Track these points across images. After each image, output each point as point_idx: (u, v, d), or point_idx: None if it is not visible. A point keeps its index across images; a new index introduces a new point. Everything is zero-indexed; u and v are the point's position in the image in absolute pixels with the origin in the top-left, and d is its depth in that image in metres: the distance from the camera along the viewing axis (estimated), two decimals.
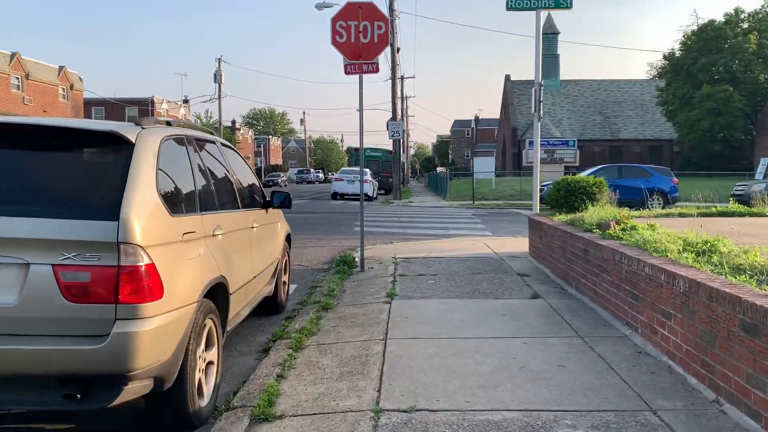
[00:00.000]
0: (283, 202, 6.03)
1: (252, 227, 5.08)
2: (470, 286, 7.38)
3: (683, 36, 41.97)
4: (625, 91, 58.26)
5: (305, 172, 77.53)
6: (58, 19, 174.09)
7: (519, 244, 11.75)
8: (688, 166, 40.24)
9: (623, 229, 6.70)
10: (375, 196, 31.48)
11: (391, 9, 28.54)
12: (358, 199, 30.34)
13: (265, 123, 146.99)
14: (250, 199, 5.48)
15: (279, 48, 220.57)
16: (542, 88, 12.96)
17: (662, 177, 22.88)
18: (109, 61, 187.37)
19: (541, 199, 24.13)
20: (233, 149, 5.65)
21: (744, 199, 21.84)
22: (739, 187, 23.29)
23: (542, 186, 24.15)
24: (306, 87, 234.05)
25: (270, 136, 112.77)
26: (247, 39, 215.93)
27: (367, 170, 31.37)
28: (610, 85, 59.11)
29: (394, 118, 29.41)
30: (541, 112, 13.00)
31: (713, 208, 10.42)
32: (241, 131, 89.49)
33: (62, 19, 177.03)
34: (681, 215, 10.05)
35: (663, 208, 23.45)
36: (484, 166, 31.25)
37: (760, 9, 40.92)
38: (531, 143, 37.46)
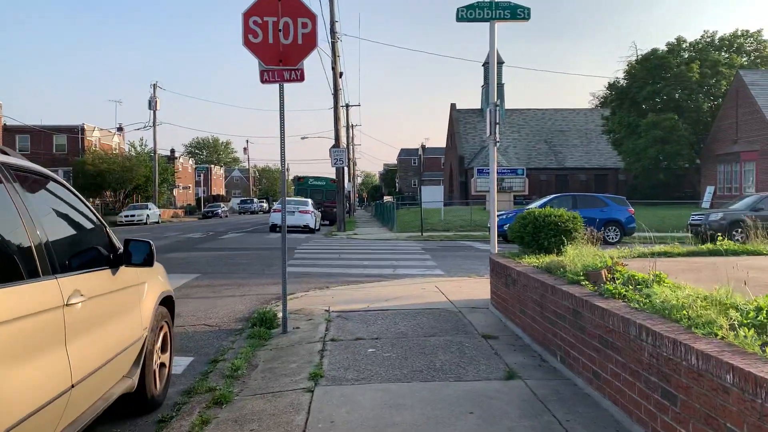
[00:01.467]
0: (146, 257, 4.10)
1: (69, 304, 3.12)
2: (423, 358, 5.57)
3: (627, 65, 42.16)
4: (570, 120, 58.48)
5: (248, 202, 74.87)
6: None
7: (477, 287, 10.07)
8: (634, 195, 39.90)
9: (623, 282, 5.06)
10: (317, 227, 29.50)
11: (332, 32, 27.03)
12: (299, 232, 28.56)
13: (209, 152, 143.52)
14: (81, 257, 3.56)
15: (220, 75, 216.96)
16: (498, 109, 11.47)
17: (618, 207, 21.84)
18: (39, 87, 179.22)
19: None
20: (68, 189, 3.80)
21: (701, 230, 20.99)
22: (696, 217, 22.44)
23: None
24: (249, 115, 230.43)
25: (213, 166, 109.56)
26: (187, 66, 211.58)
27: (309, 200, 29.45)
28: (554, 114, 59.26)
29: (336, 145, 27.68)
30: (497, 135, 11.48)
31: (703, 247, 8.95)
32: (180, 160, 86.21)
33: None
34: (666, 254, 8.54)
35: (620, 240, 22.43)
36: (432, 195, 29.82)
37: (700, 39, 41.52)
38: (480, 171, 36.42)
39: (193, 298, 9.42)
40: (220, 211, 63.27)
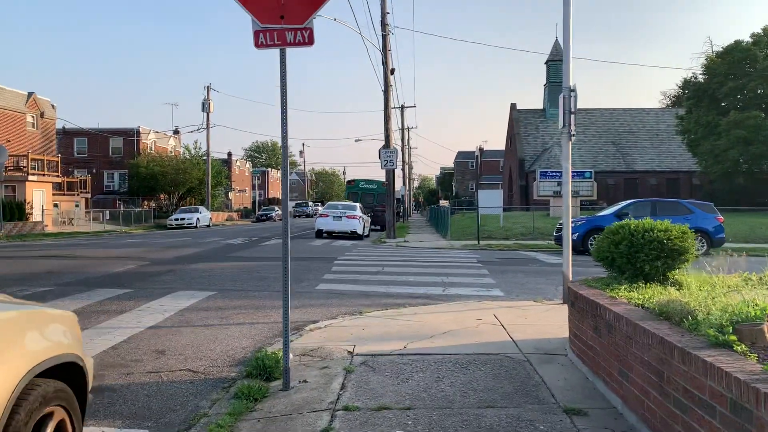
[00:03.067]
0: None
1: None
2: None
3: (706, 59, 38.54)
4: (639, 120, 54.81)
5: (303, 205, 73.98)
6: (35, 46, 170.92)
7: (547, 318, 7.95)
8: (711, 201, 36.41)
9: None
10: (366, 233, 27.71)
11: (383, 24, 25.20)
12: (345, 237, 26.76)
13: (268, 155, 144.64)
14: None
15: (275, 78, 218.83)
16: (573, 95, 9.31)
17: (705, 214, 19.12)
18: (95, 90, 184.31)
19: (559, 239, 20.37)
20: None
21: None
22: None
23: (560, 224, 20.38)
24: (306, 118, 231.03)
25: (270, 169, 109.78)
26: (244, 70, 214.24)
27: (357, 204, 27.69)
28: (622, 114, 55.70)
29: (387, 145, 25.81)
30: (573, 127, 9.32)
31: None
32: (237, 163, 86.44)
33: (43, 49, 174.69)
34: None
35: (706, 252, 19.63)
36: (490, 199, 27.55)
37: None
38: (543, 174, 33.79)
39: (192, 327, 7.67)
40: (273, 214, 62.50)
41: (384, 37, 24.93)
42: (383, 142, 26.70)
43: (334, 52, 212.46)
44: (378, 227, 33.52)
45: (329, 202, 33.57)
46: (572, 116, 9.21)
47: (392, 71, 26.85)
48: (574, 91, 9.24)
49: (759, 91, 35.96)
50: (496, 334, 7.01)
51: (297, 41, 5.09)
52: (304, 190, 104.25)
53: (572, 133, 9.26)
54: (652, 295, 5.29)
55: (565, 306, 9.10)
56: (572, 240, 19.16)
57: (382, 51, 24.97)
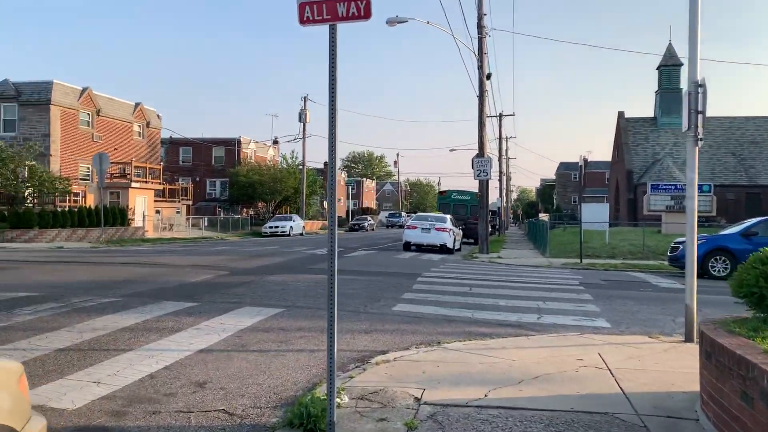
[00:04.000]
0: None
1: None
2: None
3: None
4: (764, 129, 49.89)
5: (396, 215, 73.48)
6: (144, 60, 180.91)
7: (666, 361, 6.46)
8: None
9: None
10: (458, 247, 26.39)
11: (479, 26, 23.92)
12: (435, 251, 25.60)
13: (364, 165, 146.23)
14: None
15: (375, 88, 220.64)
16: (701, 91, 7.71)
17: None
18: (200, 101, 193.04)
19: (674, 259, 18.17)
20: None
21: None
22: None
23: (676, 243, 18.21)
24: (401, 128, 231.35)
25: (364, 179, 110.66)
26: (343, 81, 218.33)
27: (448, 216, 26.42)
28: (745, 122, 50.94)
29: (480, 154, 24.42)
30: (701, 129, 7.72)
31: None
32: None
33: (150, 60, 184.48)
34: None
35: None
36: (595, 214, 25.44)
37: None
38: (654, 187, 31.05)
39: (246, 352, 6.81)
40: (366, 224, 62.38)
41: (480, 40, 23.63)
42: (477, 151, 25.35)
43: (428, 59, 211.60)
44: (471, 241, 32.11)
45: (418, 213, 32.57)
46: (700, 116, 7.63)
47: (488, 76, 25.50)
48: (702, 86, 7.66)
49: None
50: (602, 383, 5.62)
51: (351, 15, 4.06)
52: (398, 200, 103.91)
53: (699, 136, 7.67)
54: None
55: (688, 345, 7.52)
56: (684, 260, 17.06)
57: (477, 54, 23.68)
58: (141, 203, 36.03)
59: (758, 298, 4.86)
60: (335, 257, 4.58)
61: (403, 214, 77.64)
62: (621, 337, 8.02)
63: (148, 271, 14.86)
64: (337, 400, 4.96)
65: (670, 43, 52.39)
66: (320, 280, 13.22)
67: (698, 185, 28.19)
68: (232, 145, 56.24)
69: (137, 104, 39.35)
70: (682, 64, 51.91)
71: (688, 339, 7.64)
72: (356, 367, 6.34)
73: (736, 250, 16.25)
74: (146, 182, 37.19)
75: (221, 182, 56.54)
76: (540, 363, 6.38)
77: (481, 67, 23.89)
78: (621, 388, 5.46)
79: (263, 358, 6.57)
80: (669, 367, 6.27)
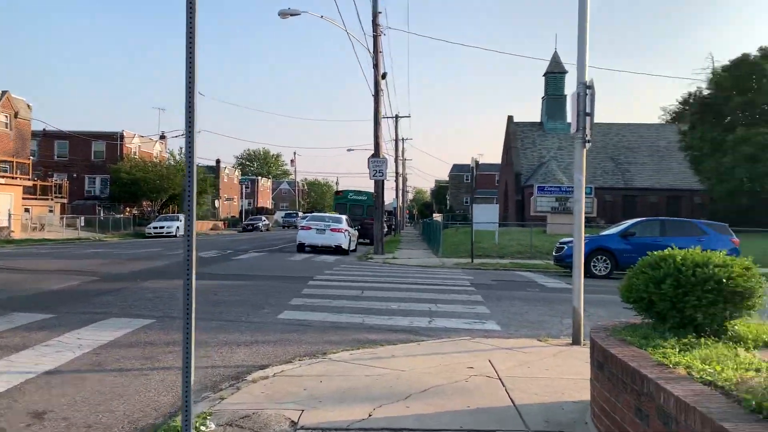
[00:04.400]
0: None
1: None
2: None
3: (712, 73, 37.14)
4: (639, 135, 53.47)
5: (293, 215, 72.14)
6: (13, 43, 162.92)
7: (554, 367, 6.30)
8: (714, 221, 34.96)
9: None
10: (353, 248, 26.02)
11: (374, 24, 23.67)
12: (329, 252, 25.09)
13: (260, 164, 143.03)
14: None
15: (270, 86, 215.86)
16: (589, 93, 7.70)
17: (719, 236, 17.55)
18: (79, 93, 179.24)
19: (559, 259, 18.73)
20: None
21: None
22: None
23: (561, 244, 18.78)
24: (298, 126, 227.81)
25: (260, 177, 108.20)
26: (236, 76, 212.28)
27: (343, 217, 25.98)
28: (622, 129, 54.36)
29: (376, 154, 24.18)
30: (589, 132, 7.70)
31: None
32: (227, 171, 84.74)
33: (19, 46, 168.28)
34: None
35: None
36: (485, 214, 25.91)
37: None
38: (541, 189, 32.19)
39: (102, 372, 5.96)
40: (260, 224, 60.78)
41: (375, 38, 23.38)
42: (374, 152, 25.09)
43: (324, 56, 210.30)
44: (367, 241, 31.86)
45: (313, 214, 31.89)
46: (588, 118, 7.60)
47: (383, 75, 25.32)
48: (590, 88, 7.64)
49: (765, 107, 34.56)
50: (493, 394, 5.33)
51: None
52: (295, 199, 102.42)
53: (587, 138, 7.65)
54: (718, 359, 3.72)
55: (576, 349, 7.47)
56: (572, 261, 17.57)
57: (372, 53, 23.42)
58: (7, 201, 32.84)
59: (647, 303, 4.72)
60: (193, 267, 3.94)
61: (300, 213, 76.45)
62: (511, 340, 7.86)
63: (3, 277, 13.27)
64: (202, 428, 4.34)
65: (555, 51, 55.00)
66: (201, 286, 12.28)
67: None
68: (114, 140, 52.85)
69: (4, 92, 35.88)
70: (566, 72, 54.65)
71: (576, 341, 7.60)
72: (230, 385, 5.70)
73: (616, 250, 16.96)
74: (13, 178, 33.96)
75: (102, 179, 53.01)
76: (430, 372, 6.02)
77: (376, 66, 23.65)
78: (512, 399, 5.18)
79: (122, 379, 5.76)
80: (558, 373, 6.11)
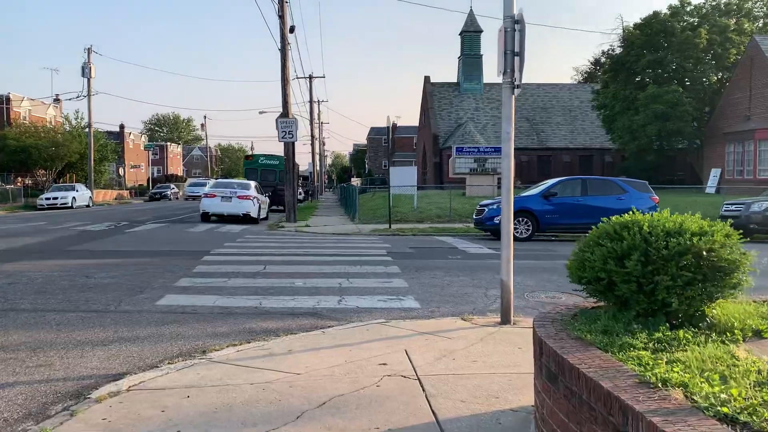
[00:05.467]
0: None
1: None
2: None
3: (623, 30, 37.37)
4: (553, 96, 53.90)
5: (200, 184, 68.66)
6: None
7: (485, 359, 5.21)
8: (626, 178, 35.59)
9: None
10: (264, 216, 24.37)
11: None
12: (237, 221, 23.36)
13: (169, 129, 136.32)
14: None
15: (175, 44, 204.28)
16: (519, 27, 6.53)
17: (639, 194, 17.23)
18: None
19: (479, 222, 17.93)
20: None
21: (742, 222, 16.51)
22: (731, 207, 17.99)
23: (482, 206, 17.96)
24: (209, 88, 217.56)
25: (169, 144, 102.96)
26: (147, 37, 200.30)
27: (252, 183, 24.19)
28: (536, 90, 54.55)
29: (285, 114, 22.45)
30: (518, 74, 6.55)
31: None
32: (132, 137, 79.79)
33: None
34: None
35: None
36: (403, 177, 24.86)
37: (704, 2, 36.93)
38: (459, 150, 31.39)
39: None
40: (169, 192, 57.57)
41: None
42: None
43: (231, 13, 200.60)
44: (281, 208, 30.20)
45: (218, 180, 29.85)
46: (517, 59, 6.44)
47: (292, 29, 23.46)
48: (519, 22, 6.46)
49: (676, 65, 35.12)
50: (411, 404, 4.16)
51: None
52: (208, 166, 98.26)
53: (517, 83, 6.50)
54: (714, 366, 2.72)
55: (506, 330, 6.47)
56: (493, 224, 16.79)
57: (278, 2, 21.46)
58: None
59: (606, 285, 3.64)
60: None
61: (211, 181, 73.05)
62: (431, 322, 6.76)
63: None
64: None
65: (471, 10, 54.15)
66: (75, 266, 10.51)
67: (497, 148, 28.63)
68: (0, 103, 47.99)
69: None
70: (482, 31, 54.03)
71: (505, 320, 6.59)
72: (64, 409, 4.27)
73: (537, 212, 16.29)
74: None
75: None
76: (333, 375, 4.79)
77: (282, 17, 21.74)
78: (434, 412, 4.03)
79: None
80: (489, 366, 5.03)
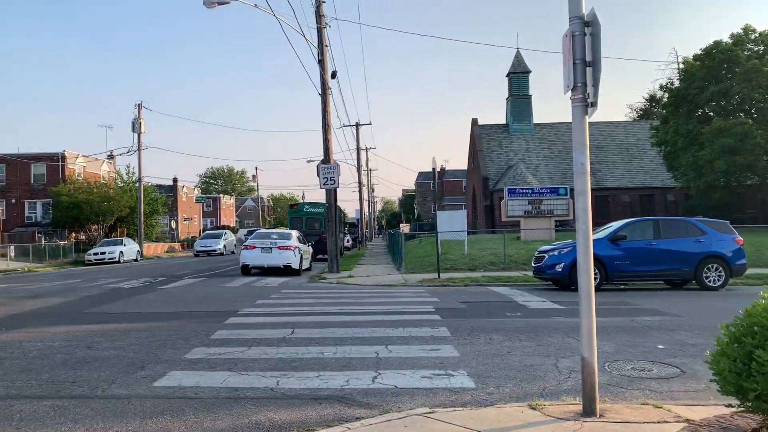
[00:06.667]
0: None
1: None
2: None
3: (683, 62, 35.37)
4: (608, 134, 51.74)
5: (214, 236, 67.48)
6: None
7: None
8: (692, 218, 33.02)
9: None
10: (307, 266, 23.23)
11: (318, 15, 21.03)
12: (278, 273, 22.21)
13: (224, 181, 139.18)
14: None
15: (227, 100, 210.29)
16: (591, 31, 5.12)
17: (721, 235, 15.25)
18: (20, 114, 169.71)
19: (539, 271, 16.14)
20: None
21: None
22: None
23: (541, 253, 16.26)
24: (260, 139, 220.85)
25: (222, 195, 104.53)
26: (192, 94, 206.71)
27: (293, 232, 23.12)
28: (590, 127, 52.35)
29: (326, 159, 21.45)
30: (592, 89, 5.11)
31: None
32: (185, 190, 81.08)
33: None
34: None
35: (724, 284, 15.49)
36: (452, 222, 23.37)
37: None
38: (511, 192, 29.62)
39: None
40: (218, 246, 57.28)
41: (320, 30, 20.72)
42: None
43: (280, 65, 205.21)
44: (326, 257, 29.05)
45: (258, 231, 28.96)
46: (589, 70, 5.01)
47: (333, 74, 22.67)
48: (591, 24, 5.04)
49: (742, 96, 32.80)
50: None
51: None
52: (259, 216, 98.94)
53: (590, 99, 5.06)
54: None
55: (594, 426, 4.88)
56: (554, 273, 15.01)
57: (318, 47, 20.75)
58: None
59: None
60: None
61: (228, 233, 72.55)
62: (490, 412, 5.20)
63: None
64: None
65: (518, 50, 53.09)
66: (81, 335, 9.36)
67: (554, 188, 26.59)
68: (55, 161, 49.14)
69: None
70: (530, 71, 52.80)
71: (589, 411, 4.97)
72: None
73: (605, 258, 14.50)
74: None
75: (43, 204, 49.22)
76: None
77: (322, 62, 20.97)
78: None
79: None
80: None
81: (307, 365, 7.03)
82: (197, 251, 43.65)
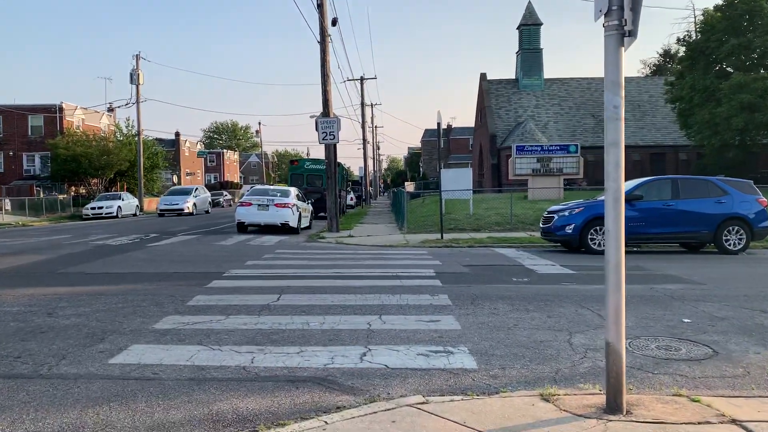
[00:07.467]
0: None
1: None
2: None
3: (703, 14, 33.67)
4: None
5: (182, 192, 65.72)
6: None
7: None
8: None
9: None
10: (306, 224, 22.42)
11: None
12: (275, 231, 21.44)
13: (228, 136, 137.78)
14: None
15: (230, 51, 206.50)
16: None
17: (743, 196, 14.30)
18: (19, 64, 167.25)
19: (548, 232, 15.30)
20: None
21: None
22: None
23: (550, 213, 15.37)
24: (263, 94, 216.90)
25: (225, 151, 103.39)
26: (199, 45, 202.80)
27: (291, 189, 22.22)
28: (600, 84, 50.76)
29: (325, 113, 20.39)
30: (632, 16, 4.14)
31: None
32: (187, 144, 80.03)
33: None
34: None
35: (745, 247, 14.67)
36: (456, 180, 22.41)
37: None
38: (520, 149, 28.44)
39: None
40: (222, 199, 56.76)
41: None
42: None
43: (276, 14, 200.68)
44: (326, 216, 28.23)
45: (255, 187, 28.05)
46: None
47: (334, 22, 21.41)
48: None
49: (763, 49, 31.12)
50: None
51: None
52: (264, 172, 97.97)
53: (627, 27, 4.07)
54: None
55: (615, 426, 4.06)
56: (564, 234, 14.11)
57: None
58: None
59: None
60: None
61: (200, 189, 71.37)
62: (494, 403, 4.40)
63: None
64: None
65: (530, 2, 51.05)
66: (45, 298, 8.57)
67: (564, 145, 25.38)
68: (53, 112, 48.09)
69: None
70: (542, 24, 50.91)
71: (614, 407, 4.14)
72: None
73: None
74: None
75: (41, 157, 48.38)
76: None
77: (321, 6, 19.70)
78: None
79: None
80: None
81: (289, 338, 6.23)
82: (161, 210, 35.74)
